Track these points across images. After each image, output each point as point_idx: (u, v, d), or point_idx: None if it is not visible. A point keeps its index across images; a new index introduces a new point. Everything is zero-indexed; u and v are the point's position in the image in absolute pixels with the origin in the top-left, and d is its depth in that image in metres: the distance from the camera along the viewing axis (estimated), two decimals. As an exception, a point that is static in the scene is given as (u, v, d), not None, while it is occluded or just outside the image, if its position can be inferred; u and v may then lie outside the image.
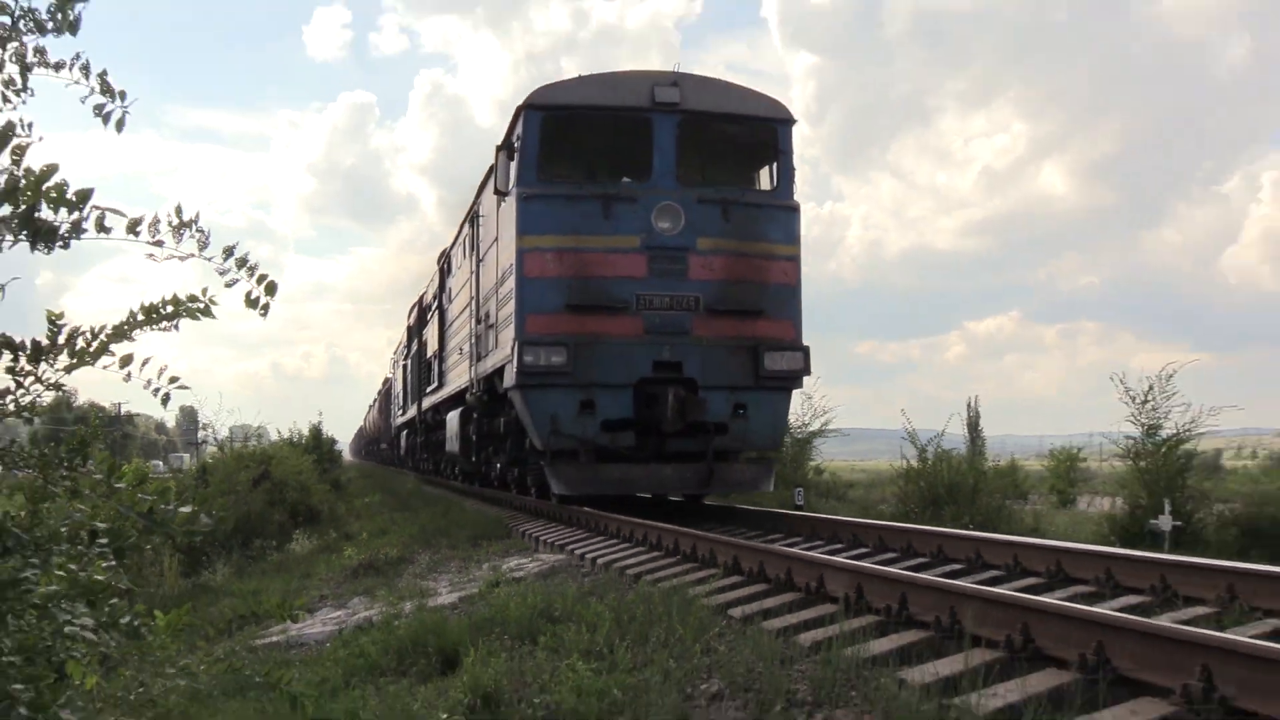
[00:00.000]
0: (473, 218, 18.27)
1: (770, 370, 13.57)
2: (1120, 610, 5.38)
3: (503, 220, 14.69)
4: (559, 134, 14.22)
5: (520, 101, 13.99)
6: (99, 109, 2.43)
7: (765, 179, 14.97)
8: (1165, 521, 13.99)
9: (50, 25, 2.36)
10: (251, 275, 2.45)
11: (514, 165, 13.72)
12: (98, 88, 2.41)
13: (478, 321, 16.91)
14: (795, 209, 14.54)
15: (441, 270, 24.45)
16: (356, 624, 8.28)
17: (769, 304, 13.83)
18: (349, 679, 6.00)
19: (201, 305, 2.45)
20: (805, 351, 14.02)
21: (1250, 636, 4.53)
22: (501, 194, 14.31)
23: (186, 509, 2.44)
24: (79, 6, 2.39)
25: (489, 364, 15.82)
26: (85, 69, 2.42)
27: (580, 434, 13.11)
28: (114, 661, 2.58)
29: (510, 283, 13.90)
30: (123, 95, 2.45)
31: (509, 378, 13.75)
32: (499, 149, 14.12)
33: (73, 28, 2.37)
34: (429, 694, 5.34)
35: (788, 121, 14.53)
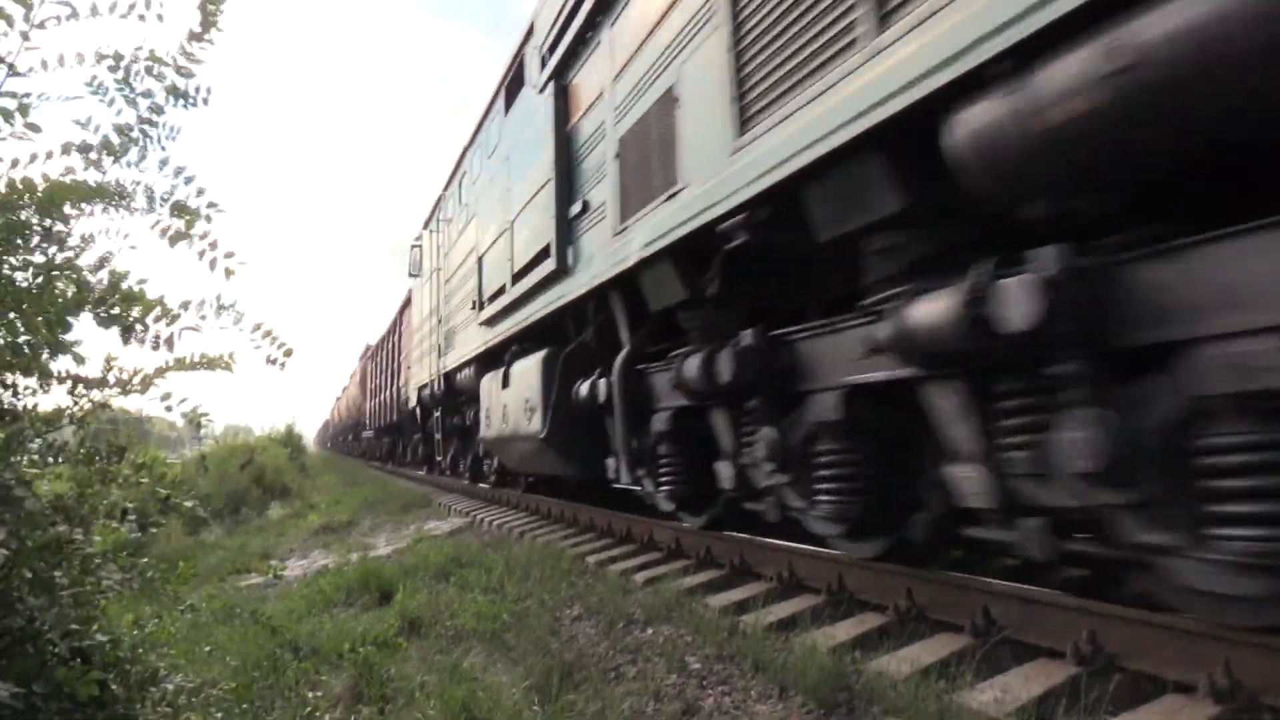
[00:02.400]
0: None
1: None
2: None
3: None
4: None
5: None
6: (164, 231, 2.29)
7: None
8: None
9: (139, 210, 2.27)
10: (273, 343, 2.35)
11: None
12: (166, 214, 2.30)
13: None
14: None
15: None
16: (317, 570, 8.03)
17: None
18: (311, 609, 5.83)
19: (224, 363, 2.36)
20: None
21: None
22: None
23: (190, 503, 2.39)
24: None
25: None
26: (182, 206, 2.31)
27: None
28: (139, 603, 2.49)
29: None
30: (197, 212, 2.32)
31: None
32: None
33: (150, 201, 2.26)
34: (370, 620, 5.22)
35: None
